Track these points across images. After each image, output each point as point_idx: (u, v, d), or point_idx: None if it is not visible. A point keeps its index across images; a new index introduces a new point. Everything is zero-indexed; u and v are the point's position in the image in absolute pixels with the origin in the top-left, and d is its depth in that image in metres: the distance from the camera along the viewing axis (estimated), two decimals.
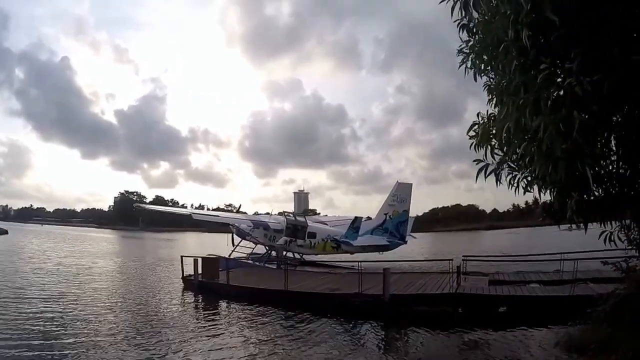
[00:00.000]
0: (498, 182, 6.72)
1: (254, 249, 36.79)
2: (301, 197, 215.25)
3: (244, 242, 36.28)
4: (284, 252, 35.00)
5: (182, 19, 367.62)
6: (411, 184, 36.94)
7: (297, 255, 35.92)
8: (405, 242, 36.45)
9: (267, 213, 45.89)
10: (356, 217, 35.11)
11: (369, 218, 37.73)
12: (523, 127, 5.75)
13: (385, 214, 35.71)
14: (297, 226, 35.55)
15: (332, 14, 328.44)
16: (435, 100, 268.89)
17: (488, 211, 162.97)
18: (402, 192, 35.88)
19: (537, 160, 5.84)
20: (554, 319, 16.02)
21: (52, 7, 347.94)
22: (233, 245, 36.13)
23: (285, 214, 39.36)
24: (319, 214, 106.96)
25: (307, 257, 35.82)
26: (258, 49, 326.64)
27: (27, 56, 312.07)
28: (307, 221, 36.73)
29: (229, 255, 33.14)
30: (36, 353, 13.90)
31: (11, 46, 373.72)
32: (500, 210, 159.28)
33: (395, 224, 35.25)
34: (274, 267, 31.75)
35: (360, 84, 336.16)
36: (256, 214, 45.60)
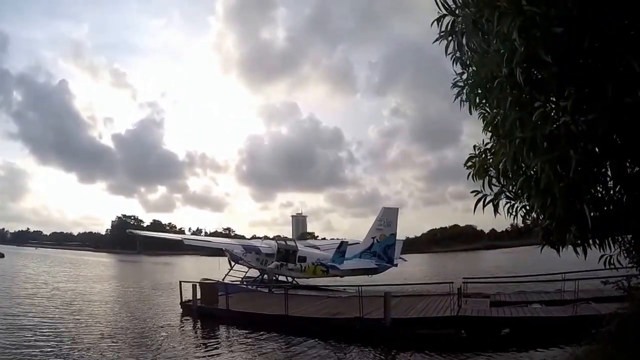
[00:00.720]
0: (496, 213, 6.80)
1: (246, 272, 37.63)
2: (299, 221, 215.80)
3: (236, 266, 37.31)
4: (276, 276, 36.03)
5: (179, 44, 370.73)
6: (397, 209, 38.06)
7: (289, 279, 36.56)
8: (396, 265, 37.25)
9: (266, 237, 46.47)
10: (342, 242, 36.69)
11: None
12: (520, 164, 5.86)
13: (373, 238, 36.35)
14: (288, 250, 36.61)
15: (326, 39, 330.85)
16: (430, 123, 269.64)
17: (486, 231, 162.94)
18: (388, 217, 36.62)
19: (535, 195, 5.92)
20: (557, 340, 16.05)
21: (51, 31, 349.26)
22: (229, 267, 37.14)
23: (277, 238, 41.22)
24: (317, 237, 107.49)
25: (300, 281, 36.21)
26: (254, 74, 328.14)
27: (25, 79, 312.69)
28: (297, 245, 37.72)
29: (223, 279, 33.66)
30: None
31: (10, 68, 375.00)
32: (499, 230, 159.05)
33: (382, 248, 35.89)
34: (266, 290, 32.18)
35: (355, 107, 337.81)
36: (254, 237, 46.35)
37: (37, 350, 17.57)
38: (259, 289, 32.78)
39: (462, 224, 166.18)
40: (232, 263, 37.39)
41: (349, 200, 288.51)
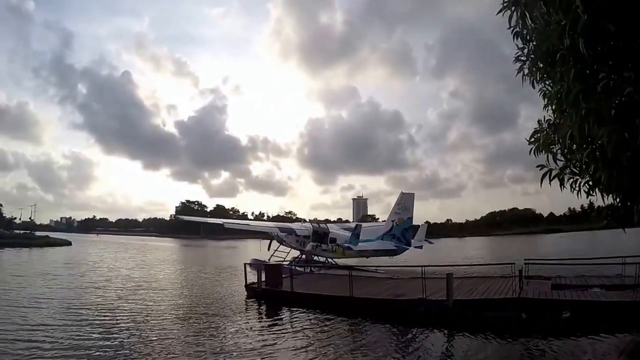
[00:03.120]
0: (562, 187, 6.93)
1: (288, 253, 41.30)
2: (360, 203, 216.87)
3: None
4: (313, 256, 39.75)
5: (239, 31, 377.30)
6: (413, 194, 40.27)
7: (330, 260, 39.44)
8: (420, 247, 41.60)
9: (327, 220, 48.44)
10: (357, 225, 40.74)
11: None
12: (586, 135, 5.84)
13: (393, 221, 39.20)
14: (321, 232, 39.74)
15: (383, 22, 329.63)
16: (488, 105, 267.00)
17: (545, 215, 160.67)
18: (406, 201, 39.31)
19: (601, 167, 5.94)
20: (618, 325, 15.77)
21: (113, 26, 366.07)
22: (274, 249, 41.36)
23: (312, 221, 45.17)
24: (378, 219, 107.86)
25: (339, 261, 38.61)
26: (313, 58, 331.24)
27: (90, 72, 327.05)
28: (329, 228, 40.69)
29: (268, 260, 37.15)
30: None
31: (74, 63, 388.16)
32: (557, 214, 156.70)
33: (401, 230, 38.50)
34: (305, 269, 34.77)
35: (414, 90, 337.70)
36: (315, 220, 48.50)
37: (108, 338, 17.57)
38: (296, 267, 33.80)
39: (520, 207, 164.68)
40: (275, 245, 41.49)
41: (409, 182, 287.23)
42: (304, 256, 40.07)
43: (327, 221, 46.73)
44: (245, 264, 29.32)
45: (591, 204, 7.17)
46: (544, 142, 7.18)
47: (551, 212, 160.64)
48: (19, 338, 16.74)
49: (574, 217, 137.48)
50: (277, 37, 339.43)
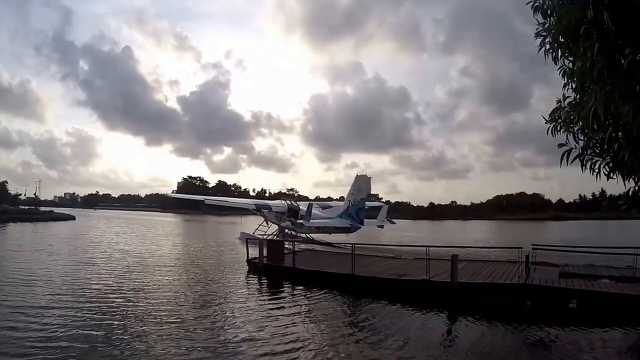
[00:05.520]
0: (583, 167, 6.57)
1: (269, 227, 46.34)
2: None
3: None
4: (289, 231, 44.09)
5: (241, 4, 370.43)
6: (370, 177, 44.96)
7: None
8: (382, 227, 46.61)
9: (318, 197, 52.46)
10: (309, 204, 43.91)
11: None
12: (611, 112, 5.54)
13: (349, 202, 43.69)
14: (294, 209, 44.80)
15: None
16: (500, 84, 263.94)
17: (554, 201, 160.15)
18: (361, 183, 43.38)
19: (625, 145, 5.67)
20: (626, 319, 15.41)
21: (113, 2, 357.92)
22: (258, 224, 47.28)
23: (285, 198, 51.02)
24: (382, 199, 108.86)
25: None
26: (318, 32, 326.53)
27: (91, 48, 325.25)
28: (299, 205, 45.79)
29: (253, 233, 42.07)
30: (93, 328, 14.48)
31: (75, 40, 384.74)
32: (566, 201, 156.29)
33: (355, 210, 42.73)
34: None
35: (422, 67, 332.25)
36: (317, 198, 51.63)
37: (108, 307, 17.87)
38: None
39: (528, 192, 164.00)
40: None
41: (415, 162, 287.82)
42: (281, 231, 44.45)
43: (329, 199, 50.08)
44: (246, 240, 29.33)
45: (603, 192, 6.82)
46: (564, 120, 6.90)
47: (560, 199, 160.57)
48: (15, 317, 16.23)
49: (584, 205, 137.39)
50: (281, 10, 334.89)
